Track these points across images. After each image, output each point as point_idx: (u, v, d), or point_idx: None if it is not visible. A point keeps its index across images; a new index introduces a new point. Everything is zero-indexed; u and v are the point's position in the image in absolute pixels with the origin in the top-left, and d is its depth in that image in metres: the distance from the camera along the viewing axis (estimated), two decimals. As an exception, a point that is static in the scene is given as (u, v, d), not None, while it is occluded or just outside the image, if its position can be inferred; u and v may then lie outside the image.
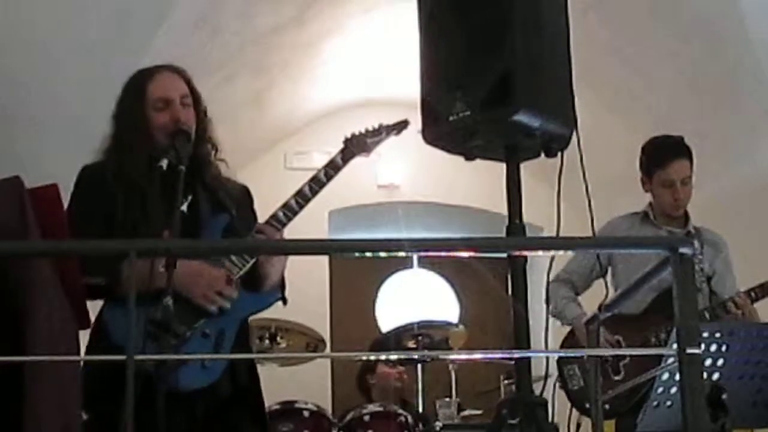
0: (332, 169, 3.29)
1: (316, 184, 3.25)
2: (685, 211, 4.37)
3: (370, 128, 3.42)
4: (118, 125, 3.24)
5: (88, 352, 2.98)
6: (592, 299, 4.01)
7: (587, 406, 4.18)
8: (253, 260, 3.15)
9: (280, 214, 3.19)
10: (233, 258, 3.12)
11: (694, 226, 4.34)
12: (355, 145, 3.37)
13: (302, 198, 3.22)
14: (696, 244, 4.22)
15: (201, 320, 3.06)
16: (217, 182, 3.28)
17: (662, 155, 4.26)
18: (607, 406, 3.85)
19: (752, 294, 4.18)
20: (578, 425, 4.00)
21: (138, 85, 3.25)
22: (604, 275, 4.13)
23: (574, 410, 4.20)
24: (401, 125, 3.46)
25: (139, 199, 3.10)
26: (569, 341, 4.38)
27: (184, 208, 3.06)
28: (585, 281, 4.43)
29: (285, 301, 3.35)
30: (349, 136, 3.39)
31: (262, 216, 3.29)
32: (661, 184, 4.26)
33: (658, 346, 4.07)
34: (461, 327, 5.43)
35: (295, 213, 3.21)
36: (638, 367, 4.01)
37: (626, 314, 4.13)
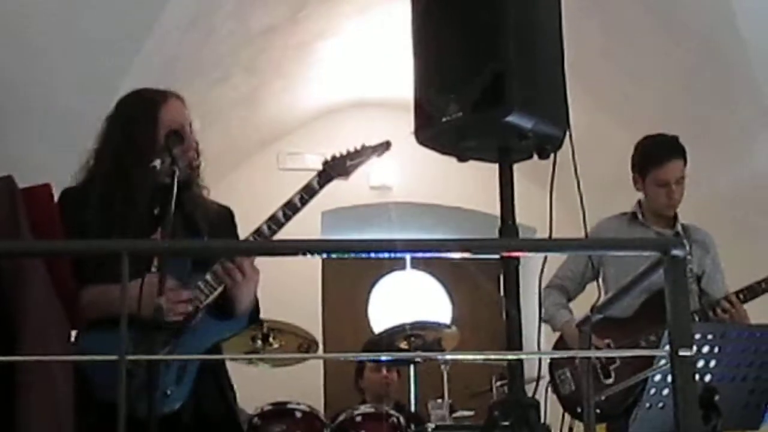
0: (307, 193, 3.21)
1: (290, 209, 3.16)
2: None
3: (352, 150, 3.35)
4: (124, 142, 3.16)
5: None
6: (584, 303, 4.01)
7: (579, 410, 4.17)
8: (221, 287, 3.07)
9: (251, 240, 3.11)
10: (200, 284, 3.05)
11: (681, 225, 4.32)
12: (333, 168, 3.29)
13: (275, 224, 3.14)
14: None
15: (165, 347, 2.95)
16: (194, 204, 3.20)
17: (658, 154, 4.23)
18: (598, 410, 3.85)
19: (740, 296, 4.16)
20: (570, 430, 3.99)
21: (150, 107, 3.18)
22: (596, 278, 4.11)
23: (566, 415, 4.19)
24: (383, 147, 3.40)
25: (121, 211, 3.03)
26: (560, 346, 4.37)
27: (157, 235, 2.99)
28: (578, 286, 4.42)
29: (261, 324, 3.26)
30: (329, 158, 3.31)
31: (246, 228, 3.21)
32: (656, 183, 4.23)
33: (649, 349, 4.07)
34: (454, 328, 5.42)
35: (267, 239, 3.12)
36: (629, 370, 4.01)
37: (616, 317, 4.13)
